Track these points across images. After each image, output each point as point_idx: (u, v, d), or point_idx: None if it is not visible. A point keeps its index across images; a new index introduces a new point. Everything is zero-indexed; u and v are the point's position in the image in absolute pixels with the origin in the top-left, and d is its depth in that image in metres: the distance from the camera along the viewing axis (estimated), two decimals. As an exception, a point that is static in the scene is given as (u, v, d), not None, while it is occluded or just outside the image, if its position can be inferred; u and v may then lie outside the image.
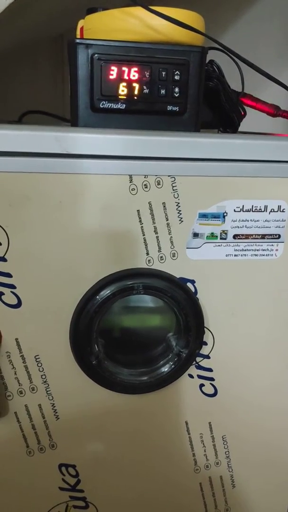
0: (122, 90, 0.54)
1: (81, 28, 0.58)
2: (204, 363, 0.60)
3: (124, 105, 0.55)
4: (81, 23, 0.58)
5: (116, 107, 0.54)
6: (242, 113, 0.65)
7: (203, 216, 0.54)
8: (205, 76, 0.57)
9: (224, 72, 0.62)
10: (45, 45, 1.16)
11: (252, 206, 0.54)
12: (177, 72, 0.54)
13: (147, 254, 0.54)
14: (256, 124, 0.75)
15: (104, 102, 0.54)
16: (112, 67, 0.53)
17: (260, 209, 0.55)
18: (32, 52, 1.15)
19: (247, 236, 0.55)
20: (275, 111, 0.65)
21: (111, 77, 0.53)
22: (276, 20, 0.98)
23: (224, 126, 0.66)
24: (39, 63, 1.17)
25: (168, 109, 0.55)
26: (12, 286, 0.52)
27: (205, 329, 0.58)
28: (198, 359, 0.60)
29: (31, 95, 1.14)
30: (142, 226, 0.53)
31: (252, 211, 0.55)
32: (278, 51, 0.99)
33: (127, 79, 0.54)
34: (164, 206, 0.53)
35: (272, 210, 0.55)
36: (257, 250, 0.56)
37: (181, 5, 0.56)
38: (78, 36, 0.58)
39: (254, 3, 0.99)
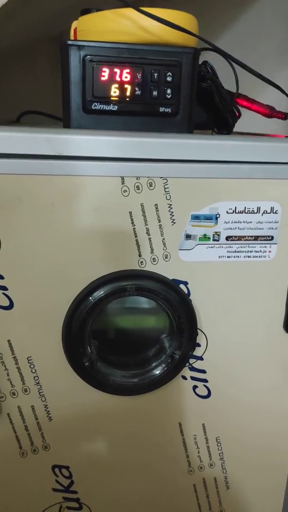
0: (114, 91, 0.54)
1: (75, 29, 0.58)
2: (198, 364, 0.60)
3: (116, 107, 0.54)
4: (74, 24, 0.58)
5: (108, 108, 0.54)
6: (237, 113, 0.65)
7: (196, 217, 0.54)
8: (198, 77, 0.56)
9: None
10: (45, 44, 1.15)
11: (245, 207, 0.54)
12: (169, 73, 0.54)
13: (140, 255, 0.54)
14: (254, 124, 0.74)
15: (96, 104, 0.54)
16: (104, 69, 0.53)
17: (253, 210, 0.54)
18: (31, 51, 1.14)
19: (240, 238, 0.55)
20: (270, 112, 0.65)
21: (103, 78, 0.53)
22: (278, 17, 0.98)
23: (219, 127, 0.66)
24: (39, 62, 1.17)
25: (160, 110, 0.55)
26: (3, 288, 0.52)
27: (198, 330, 0.58)
28: (191, 360, 0.59)
29: (30, 94, 1.14)
30: (134, 228, 0.53)
31: (245, 212, 0.54)
32: (280, 48, 0.98)
33: (119, 80, 0.53)
34: (157, 208, 0.53)
35: (265, 212, 0.55)
36: (250, 251, 0.56)
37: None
38: (72, 37, 0.58)
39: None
